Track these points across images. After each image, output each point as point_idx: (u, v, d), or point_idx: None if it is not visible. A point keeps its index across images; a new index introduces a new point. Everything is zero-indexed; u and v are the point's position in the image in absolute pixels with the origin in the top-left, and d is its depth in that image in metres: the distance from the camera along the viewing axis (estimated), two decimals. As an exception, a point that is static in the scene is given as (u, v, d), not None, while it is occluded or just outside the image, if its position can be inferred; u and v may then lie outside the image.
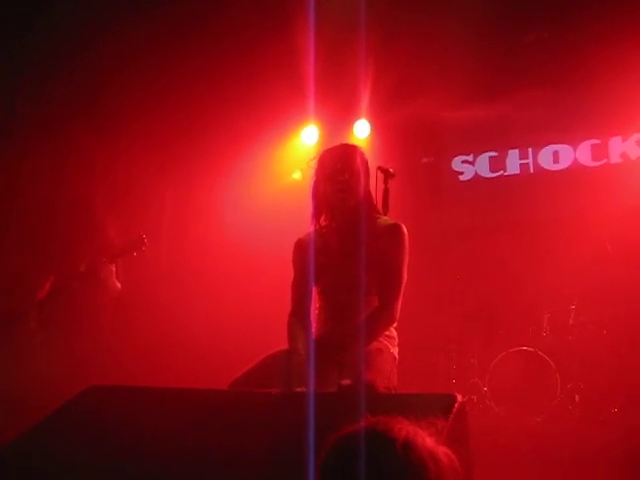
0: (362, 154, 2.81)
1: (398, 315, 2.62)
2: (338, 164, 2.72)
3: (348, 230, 2.72)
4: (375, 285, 2.63)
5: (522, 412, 5.20)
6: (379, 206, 2.85)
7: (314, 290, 2.77)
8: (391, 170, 2.90)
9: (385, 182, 2.89)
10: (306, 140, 6.64)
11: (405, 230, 2.70)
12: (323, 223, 2.83)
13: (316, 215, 2.83)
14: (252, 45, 5.67)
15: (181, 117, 6.31)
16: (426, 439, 1.14)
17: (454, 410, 1.85)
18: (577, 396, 5.20)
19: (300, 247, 2.83)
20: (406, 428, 1.15)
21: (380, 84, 5.83)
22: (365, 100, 6.08)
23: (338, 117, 6.45)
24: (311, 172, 2.87)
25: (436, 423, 1.21)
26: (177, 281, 6.51)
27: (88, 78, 5.51)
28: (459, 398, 1.91)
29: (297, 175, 6.70)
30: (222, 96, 6.18)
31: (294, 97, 5.70)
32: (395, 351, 2.70)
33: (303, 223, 2.95)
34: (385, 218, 2.78)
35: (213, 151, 6.58)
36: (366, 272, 2.59)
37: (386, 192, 2.89)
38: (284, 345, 2.61)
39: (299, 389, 2.37)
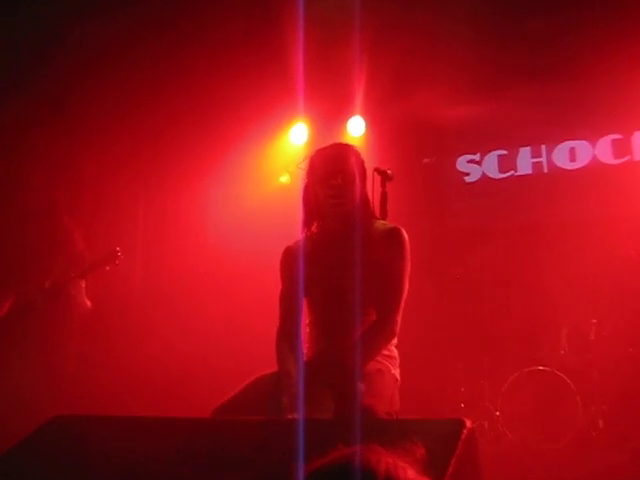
0: (357, 154, 2.82)
1: (398, 329, 2.62)
2: (330, 166, 2.72)
3: (342, 236, 2.73)
4: (373, 297, 2.63)
5: (539, 439, 5.20)
6: (376, 212, 2.85)
7: (305, 304, 2.77)
8: (389, 172, 2.91)
9: (383, 185, 2.90)
10: (294, 139, 6.65)
11: (405, 234, 2.70)
12: (315, 230, 2.83)
13: (307, 223, 2.83)
14: (235, 37, 5.68)
15: (158, 116, 6.32)
16: (407, 470, 1.14)
17: (462, 437, 1.85)
18: (601, 421, 5.21)
19: (289, 256, 2.83)
20: (385, 459, 1.14)
21: (376, 78, 5.85)
22: (359, 95, 6.10)
23: (330, 114, 6.47)
24: (301, 175, 2.88)
25: (414, 451, 1.20)
26: (154, 297, 6.49)
27: (55, 80, 5.53)
28: (468, 424, 1.91)
29: (285, 178, 6.70)
30: (202, 93, 6.20)
31: (281, 92, 5.71)
32: (396, 372, 2.70)
33: (292, 231, 2.95)
34: (383, 222, 2.79)
35: (192, 153, 6.58)
36: (362, 282, 2.58)
37: (384, 196, 2.90)
38: (273, 366, 2.61)
39: (290, 416, 2.36)
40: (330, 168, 2.72)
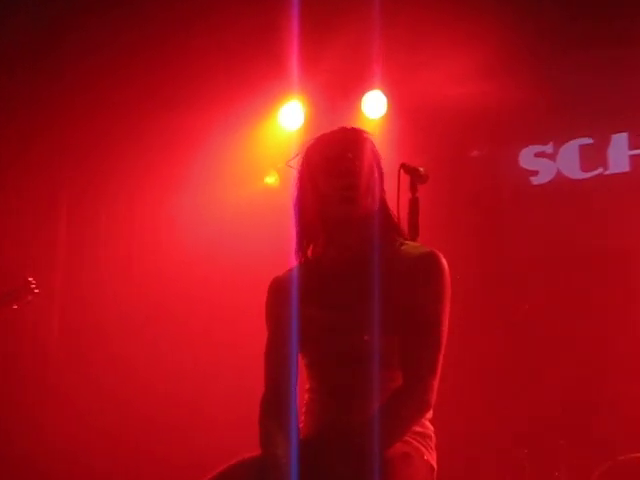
0: (373, 145, 2.84)
1: (434, 397, 2.63)
2: (336, 149, 2.73)
3: (354, 261, 2.73)
4: (398, 351, 2.63)
5: None
6: (403, 226, 2.88)
7: (301, 362, 2.78)
8: (421, 170, 2.92)
9: (412, 189, 2.91)
10: (286, 123, 6.69)
11: (445, 263, 2.71)
12: (316, 253, 2.84)
13: (301, 243, 2.84)
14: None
15: (100, 97, 6.40)
16: None
17: None
18: None
19: (277, 291, 2.84)
20: None
21: (399, 39, 5.89)
22: (378, 63, 6.12)
23: (333, 90, 6.51)
24: (293, 173, 2.89)
25: None
26: (79, 347, 6.50)
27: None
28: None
29: (271, 179, 6.75)
30: (163, 65, 6.27)
31: (270, 62, 5.77)
32: (431, 457, 2.71)
33: (283, 255, 2.97)
34: (413, 244, 2.81)
35: (145, 145, 6.64)
36: (384, 330, 2.59)
37: (414, 205, 2.91)
38: (255, 448, 2.62)
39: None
40: (336, 152, 2.73)
